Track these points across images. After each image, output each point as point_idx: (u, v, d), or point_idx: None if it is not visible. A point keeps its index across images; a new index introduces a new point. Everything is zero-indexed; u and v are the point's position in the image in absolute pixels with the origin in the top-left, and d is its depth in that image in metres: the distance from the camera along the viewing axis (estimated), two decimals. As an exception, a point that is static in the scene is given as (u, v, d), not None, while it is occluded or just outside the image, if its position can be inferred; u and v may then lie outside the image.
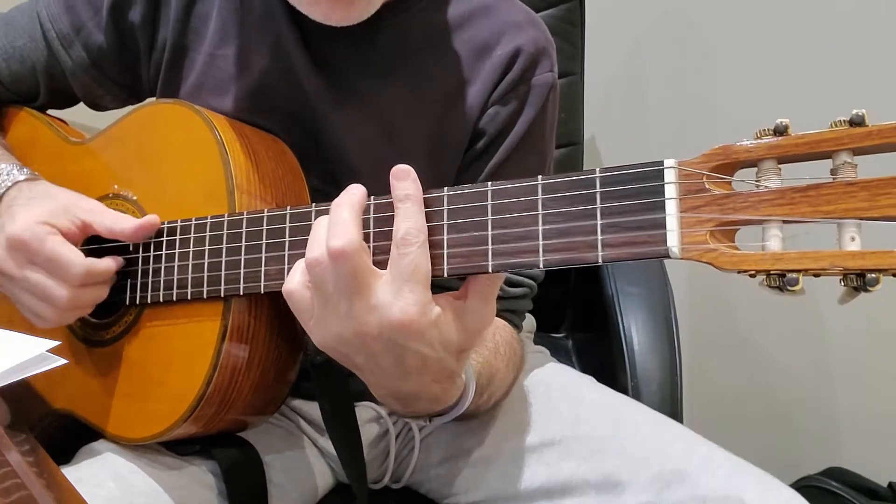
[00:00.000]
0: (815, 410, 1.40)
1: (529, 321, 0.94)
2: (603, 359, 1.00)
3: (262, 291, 0.59)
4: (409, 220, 0.49)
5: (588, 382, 0.82)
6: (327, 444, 0.81)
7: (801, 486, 1.33)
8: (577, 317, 1.17)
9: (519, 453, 0.73)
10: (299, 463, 0.80)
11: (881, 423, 1.34)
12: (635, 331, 0.96)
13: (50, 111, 0.85)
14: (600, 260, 0.43)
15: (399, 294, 0.48)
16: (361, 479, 0.73)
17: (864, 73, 1.16)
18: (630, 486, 0.67)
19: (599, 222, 0.44)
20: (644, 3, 1.36)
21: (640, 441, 0.69)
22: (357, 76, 0.72)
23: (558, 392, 0.78)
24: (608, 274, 1.03)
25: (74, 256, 0.62)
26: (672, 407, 0.92)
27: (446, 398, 0.59)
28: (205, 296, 0.62)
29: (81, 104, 0.84)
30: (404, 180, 0.50)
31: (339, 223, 0.49)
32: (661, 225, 0.42)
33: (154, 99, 0.78)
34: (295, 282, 0.52)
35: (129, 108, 0.75)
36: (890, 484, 1.29)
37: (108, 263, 0.65)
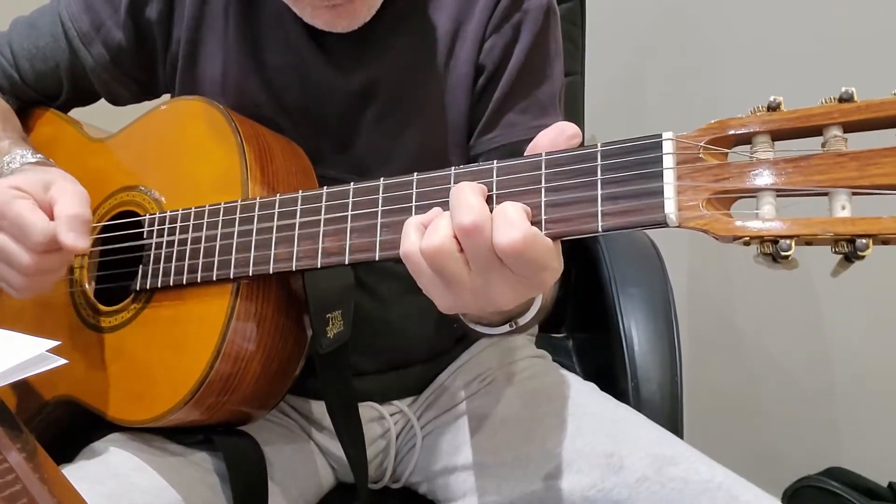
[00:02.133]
0: (815, 410, 1.39)
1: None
2: (603, 359, 1.00)
3: (271, 272, 0.60)
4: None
5: (590, 392, 0.81)
6: (328, 442, 0.81)
7: (801, 486, 1.33)
8: (578, 317, 1.17)
9: (517, 463, 0.73)
10: (300, 462, 0.80)
11: (881, 423, 1.34)
12: (636, 331, 0.95)
13: (69, 114, 0.86)
14: (600, 229, 0.44)
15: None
16: (364, 470, 0.73)
17: (863, 73, 1.17)
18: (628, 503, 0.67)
19: (600, 192, 0.45)
20: (644, 3, 1.37)
21: (640, 458, 0.68)
22: (362, 60, 0.73)
23: (560, 403, 0.77)
24: (609, 274, 1.02)
25: (37, 221, 0.60)
26: (672, 407, 0.91)
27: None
28: (214, 278, 0.63)
29: (99, 107, 0.85)
30: None
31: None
32: (659, 193, 0.43)
33: (169, 96, 0.80)
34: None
35: (151, 105, 0.77)
36: (890, 484, 1.29)
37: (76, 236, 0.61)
